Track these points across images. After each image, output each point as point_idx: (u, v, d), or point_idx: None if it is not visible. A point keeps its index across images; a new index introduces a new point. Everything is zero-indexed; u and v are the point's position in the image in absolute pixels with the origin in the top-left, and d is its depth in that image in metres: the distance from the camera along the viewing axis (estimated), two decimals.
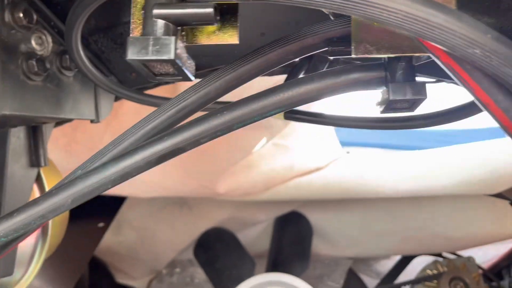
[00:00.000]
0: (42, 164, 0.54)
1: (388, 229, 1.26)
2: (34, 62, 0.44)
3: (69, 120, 0.54)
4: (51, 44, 0.48)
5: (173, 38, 0.24)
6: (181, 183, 0.96)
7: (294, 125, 0.99)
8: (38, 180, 0.56)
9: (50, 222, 0.59)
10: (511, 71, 0.27)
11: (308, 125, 1.05)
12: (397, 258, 1.47)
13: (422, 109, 0.43)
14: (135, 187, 0.98)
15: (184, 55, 0.25)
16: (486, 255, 1.57)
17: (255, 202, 1.18)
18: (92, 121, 0.55)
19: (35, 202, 0.36)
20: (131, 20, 0.30)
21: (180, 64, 0.25)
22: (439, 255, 1.40)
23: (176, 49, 0.24)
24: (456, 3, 0.32)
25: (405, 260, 1.44)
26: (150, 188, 0.96)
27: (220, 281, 1.22)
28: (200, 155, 0.88)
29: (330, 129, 1.13)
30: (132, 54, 0.24)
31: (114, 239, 1.26)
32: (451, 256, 1.40)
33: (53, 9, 0.47)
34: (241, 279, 1.10)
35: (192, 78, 0.28)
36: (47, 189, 0.56)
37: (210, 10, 0.24)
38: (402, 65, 0.33)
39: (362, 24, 0.32)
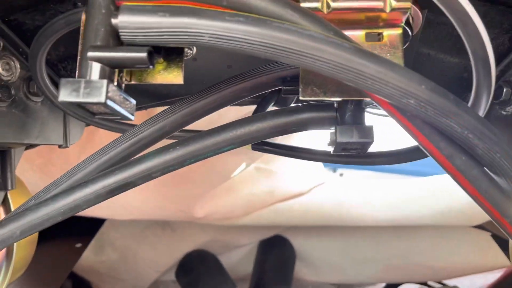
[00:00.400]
0: (9, 187, 0.54)
1: (370, 257, 1.25)
2: None
3: (31, 145, 0.54)
4: (18, 70, 0.48)
5: (104, 81, 0.24)
6: (159, 208, 0.96)
7: None
8: (5, 203, 0.56)
9: (15, 245, 0.59)
10: (447, 121, 0.27)
11: None
12: (380, 285, 1.46)
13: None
14: (113, 210, 0.98)
15: (118, 96, 0.25)
16: (473, 284, 1.56)
17: (238, 226, 1.17)
18: (60, 146, 0.55)
19: None
20: (78, 58, 0.31)
21: (113, 106, 0.25)
22: (425, 283, 1.39)
23: (107, 92, 0.24)
24: (402, 50, 0.32)
25: None
26: (129, 211, 0.96)
27: None
28: (178, 179, 0.88)
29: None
30: (63, 96, 0.24)
31: (97, 258, 1.25)
32: (437, 285, 1.39)
33: (21, 35, 0.47)
34: None
35: (131, 117, 0.28)
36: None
37: (143, 54, 0.25)
38: (351, 108, 0.33)
39: None
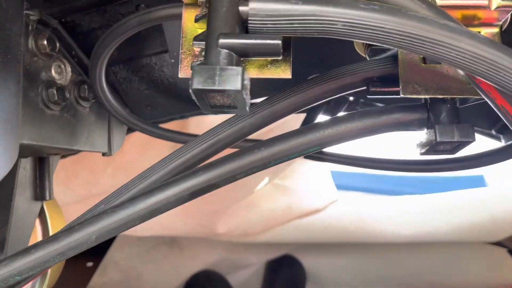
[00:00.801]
0: (47, 197, 0.51)
1: (383, 276, 1.24)
2: (54, 91, 0.43)
3: (79, 151, 0.52)
4: (70, 74, 0.47)
5: (240, 68, 0.23)
6: (181, 222, 0.93)
7: (294, 166, 0.98)
8: (41, 215, 0.53)
9: None
10: None
11: (306, 167, 1.05)
12: None
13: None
14: None
15: (249, 86, 0.24)
16: None
17: (248, 244, 1.14)
18: (104, 154, 0.53)
19: (56, 238, 0.33)
20: (181, 51, 0.30)
21: (245, 96, 0.24)
22: None
23: (243, 80, 0.23)
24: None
25: None
26: (147, 225, 0.92)
27: None
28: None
29: (327, 171, 1.12)
30: (197, 84, 0.22)
31: (99, 279, 1.19)
32: None
33: (75, 38, 0.46)
34: None
35: (247, 111, 0.27)
36: (49, 224, 0.53)
37: (278, 42, 0.24)
38: (447, 107, 0.33)
39: (409, 64, 0.32)
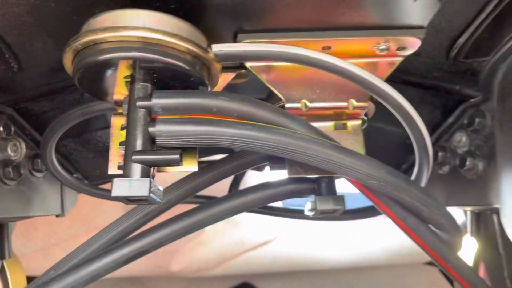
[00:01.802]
0: (6, 257, 0.57)
1: None
2: (10, 169, 0.49)
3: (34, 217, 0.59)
4: (24, 150, 0.53)
5: (148, 179, 0.31)
6: (137, 264, 0.98)
7: None
8: (1, 272, 0.59)
9: None
10: (400, 194, 0.36)
11: None
12: None
13: None
14: None
15: (155, 188, 0.32)
16: None
17: (208, 277, 1.21)
18: (57, 216, 0.59)
19: None
20: (110, 152, 0.38)
21: (153, 196, 0.32)
22: None
23: (150, 187, 0.31)
24: (362, 136, 0.42)
25: None
26: None
27: None
28: None
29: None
30: (116, 192, 0.30)
31: None
32: None
33: (28, 120, 0.53)
34: None
35: (160, 201, 0.35)
36: (9, 280, 0.59)
37: (177, 156, 0.32)
38: (326, 181, 0.42)
39: None
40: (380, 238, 1.12)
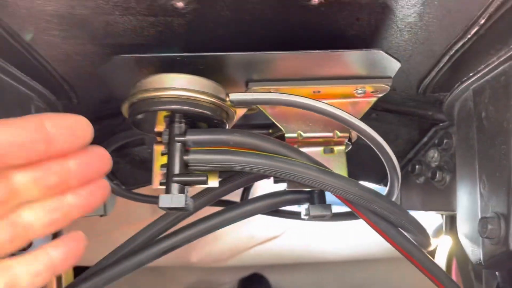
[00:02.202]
0: None
1: None
2: None
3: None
4: None
5: (183, 196, 0.43)
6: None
7: None
8: None
9: None
10: (372, 205, 0.48)
11: None
12: None
13: None
14: None
15: (188, 200, 0.44)
16: None
17: (220, 268, 1.34)
18: (101, 216, 0.72)
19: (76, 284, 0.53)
20: (153, 172, 0.50)
21: (187, 207, 0.44)
22: None
23: (186, 201, 0.43)
24: (345, 158, 0.53)
25: None
26: None
27: None
28: None
29: None
30: (162, 204, 0.43)
31: None
32: None
33: None
34: None
35: (191, 210, 0.47)
36: None
37: (204, 178, 0.44)
38: (317, 193, 0.54)
39: None
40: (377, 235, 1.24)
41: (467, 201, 0.49)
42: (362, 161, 0.70)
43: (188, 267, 1.34)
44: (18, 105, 0.45)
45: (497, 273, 0.54)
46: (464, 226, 0.50)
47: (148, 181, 0.78)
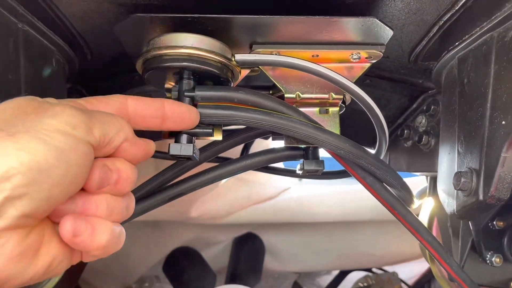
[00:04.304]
0: None
1: (325, 248, 1.54)
2: None
3: None
4: None
5: (192, 145, 0.48)
6: (162, 209, 1.18)
7: None
8: None
9: None
10: (360, 160, 0.53)
11: None
12: (335, 272, 1.74)
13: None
14: None
15: (196, 151, 0.49)
16: (411, 271, 1.87)
17: (217, 225, 1.41)
18: None
19: None
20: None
21: (194, 156, 0.49)
22: (370, 270, 1.69)
23: (194, 150, 0.48)
24: (339, 118, 0.58)
25: (342, 275, 1.72)
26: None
27: None
28: None
29: (281, 165, 1.39)
30: (172, 152, 0.47)
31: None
32: (379, 272, 1.69)
33: (94, 95, 0.70)
34: None
35: (197, 159, 0.52)
36: None
37: (210, 130, 0.49)
38: (311, 149, 0.59)
39: None
40: (367, 198, 1.30)
41: (447, 160, 0.54)
42: (354, 126, 0.75)
43: (186, 224, 1.40)
44: (41, 57, 0.49)
45: (472, 229, 0.59)
46: (442, 182, 0.56)
47: (155, 137, 0.83)
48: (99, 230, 0.35)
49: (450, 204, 0.51)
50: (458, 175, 0.47)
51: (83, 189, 0.36)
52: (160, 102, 0.43)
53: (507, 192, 0.43)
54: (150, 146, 0.43)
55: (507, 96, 0.42)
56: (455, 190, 0.48)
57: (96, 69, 0.64)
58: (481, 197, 0.44)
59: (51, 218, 0.35)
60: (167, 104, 0.44)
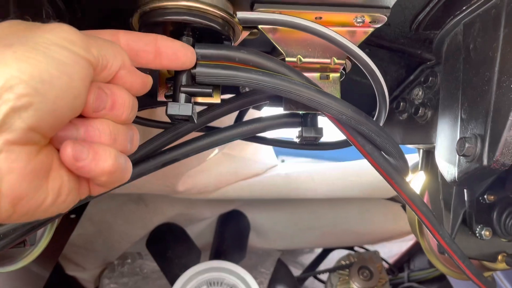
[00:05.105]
0: None
1: (310, 225, 1.54)
2: None
3: None
4: None
5: (190, 104, 0.46)
6: (148, 182, 1.16)
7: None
8: None
9: None
10: (361, 127, 0.52)
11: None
12: (318, 251, 1.76)
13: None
14: None
15: (195, 111, 0.47)
16: (390, 251, 1.91)
17: (203, 201, 1.40)
18: None
19: None
20: (159, 86, 0.52)
21: (193, 117, 0.47)
22: (352, 248, 1.71)
23: (193, 110, 0.46)
24: (339, 85, 0.57)
25: (325, 253, 1.73)
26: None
27: (170, 269, 1.42)
28: None
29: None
30: (170, 111, 0.45)
31: (76, 232, 1.41)
32: (361, 250, 1.71)
33: None
34: (188, 267, 1.31)
35: (195, 122, 0.50)
36: None
37: (210, 90, 0.47)
38: (310, 116, 0.58)
39: None
40: (352, 176, 1.31)
41: (448, 128, 0.54)
42: (352, 97, 0.74)
43: (171, 199, 1.38)
44: (30, 7, 0.46)
45: (465, 193, 0.59)
46: (443, 151, 0.55)
47: (146, 105, 0.80)
48: (102, 155, 0.34)
49: (450, 171, 0.51)
50: (461, 141, 0.46)
51: (82, 116, 0.35)
52: (153, 36, 0.42)
53: None
54: (148, 78, 0.42)
55: None
56: (457, 157, 0.48)
57: (86, 27, 0.61)
58: (485, 162, 0.44)
59: (55, 146, 0.34)
60: (160, 39, 0.42)
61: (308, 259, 1.82)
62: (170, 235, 1.47)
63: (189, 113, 0.46)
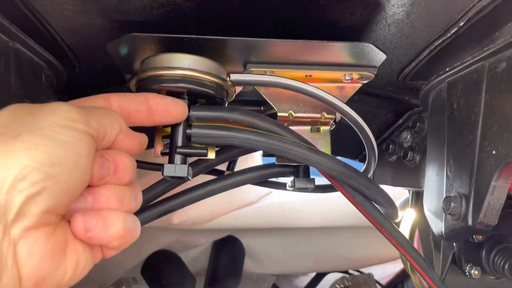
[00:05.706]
0: None
1: (304, 252, 1.55)
2: None
3: None
4: None
5: (186, 166, 0.47)
6: None
7: None
8: None
9: None
10: (350, 181, 0.54)
11: None
12: (312, 275, 1.77)
13: None
14: None
15: (190, 171, 0.49)
16: (385, 272, 1.92)
17: (197, 230, 1.41)
18: None
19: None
20: (155, 143, 0.54)
21: (188, 176, 0.48)
22: (346, 272, 1.72)
23: (188, 171, 0.48)
24: (330, 137, 0.59)
25: (319, 277, 1.74)
26: None
27: None
28: None
29: None
30: (166, 173, 0.47)
31: None
32: (355, 273, 1.72)
33: None
34: None
35: (191, 179, 0.51)
36: None
37: (205, 151, 0.49)
38: (302, 167, 0.59)
39: None
40: (345, 206, 1.32)
41: (434, 181, 0.56)
42: (341, 139, 0.76)
43: (166, 229, 1.39)
44: (32, 74, 0.48)
45: (454, 244, 0.61)
46: (430, 203, 0.57)
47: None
48: (111, 221, 0.36)
49: (437, 225, 0.53)
50: (447, 200, 0.48)
51: (88, 186, 0.37)
52: (143, 96, 0.44)
53: (496, 219, 0.44)
54: (144, 138, 0.44)
55: (498, 126, 0.43)
56: (444, 214, 0.50)
57: (84, 81, 0.62)
58: (470, 223, 0.46)
59: (67, 218, 0.36)
60: (150, 98, 0.44)
61: (303, 282, 1.83)
62: (165, 262, 1.47)
63: (185, 175, 0.48)
